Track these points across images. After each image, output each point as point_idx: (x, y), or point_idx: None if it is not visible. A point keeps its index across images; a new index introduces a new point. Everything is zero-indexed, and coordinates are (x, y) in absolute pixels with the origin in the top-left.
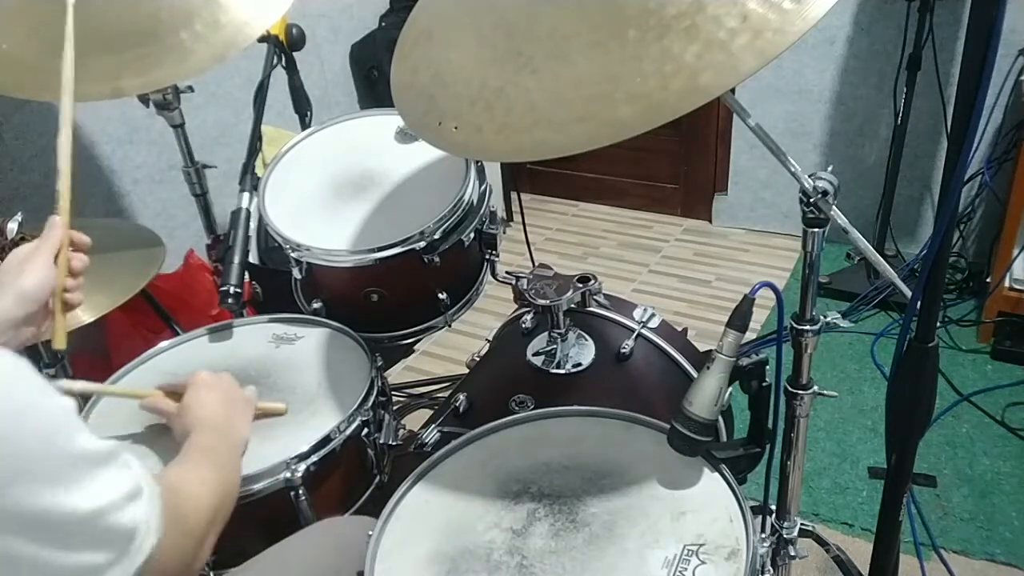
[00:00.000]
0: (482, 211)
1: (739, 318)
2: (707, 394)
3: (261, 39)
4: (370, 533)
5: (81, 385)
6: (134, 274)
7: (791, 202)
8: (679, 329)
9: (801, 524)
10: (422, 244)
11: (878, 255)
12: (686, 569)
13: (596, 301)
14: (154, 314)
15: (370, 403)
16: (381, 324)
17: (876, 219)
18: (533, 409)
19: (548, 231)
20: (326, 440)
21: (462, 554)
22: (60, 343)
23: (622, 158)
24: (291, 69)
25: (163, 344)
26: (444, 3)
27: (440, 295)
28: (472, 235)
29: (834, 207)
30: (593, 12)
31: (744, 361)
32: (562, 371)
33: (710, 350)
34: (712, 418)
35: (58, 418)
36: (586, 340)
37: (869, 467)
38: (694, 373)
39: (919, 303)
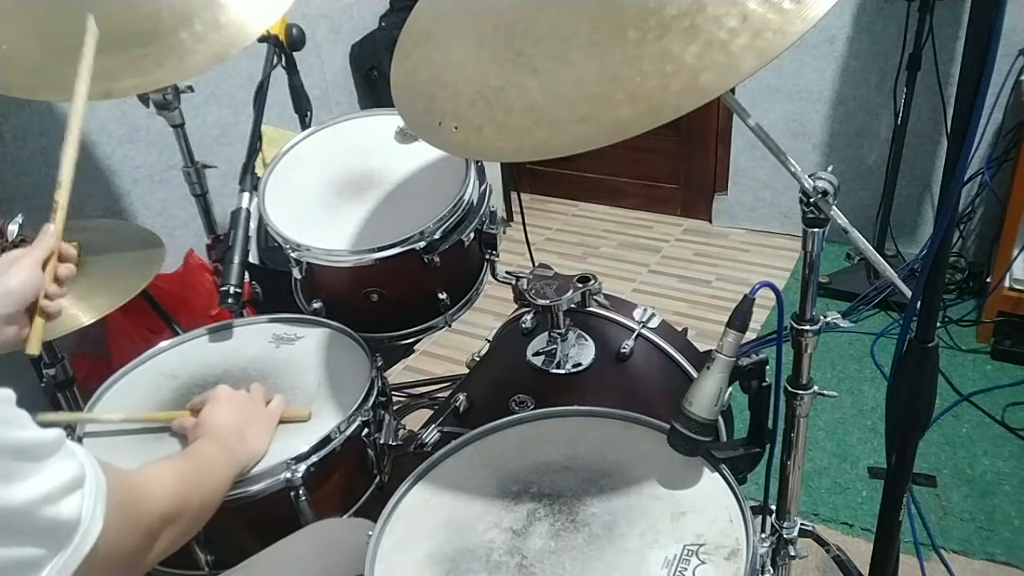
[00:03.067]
0: (482, 211)
1: (739, 318)
2: (707, 394)
3: (261, 39)
4: (370, 533)
5: (119, 415)
6: (134, 275)
7: (791, 202)
8: (679, 329)
9: (801, 524)
10: (422, 244)
11: (878, 255)
12: (686, 569)
13: (596, 301)
14: (154, 314)
15: (370, 403)
16: (381, 324)
17: (876, 219)
18: (533, 409)
19: (548, 231)
20: (326, 440)
21: (462, 554)
22: (33, 349)
23: (622, 158)
24: (291, 69)
25: (163, 344)
26: (444, 3)
27: (440, 295)
28: (472, 235)
29: (834, 207)
30: (593, 12)
31: (744, 361)
32: (562, 371)
33: (710, 350)
34: (712, 418)
35: None
36: (586, 340)
37: (869, 467)
38: (694, 373)
39: (919, 303)
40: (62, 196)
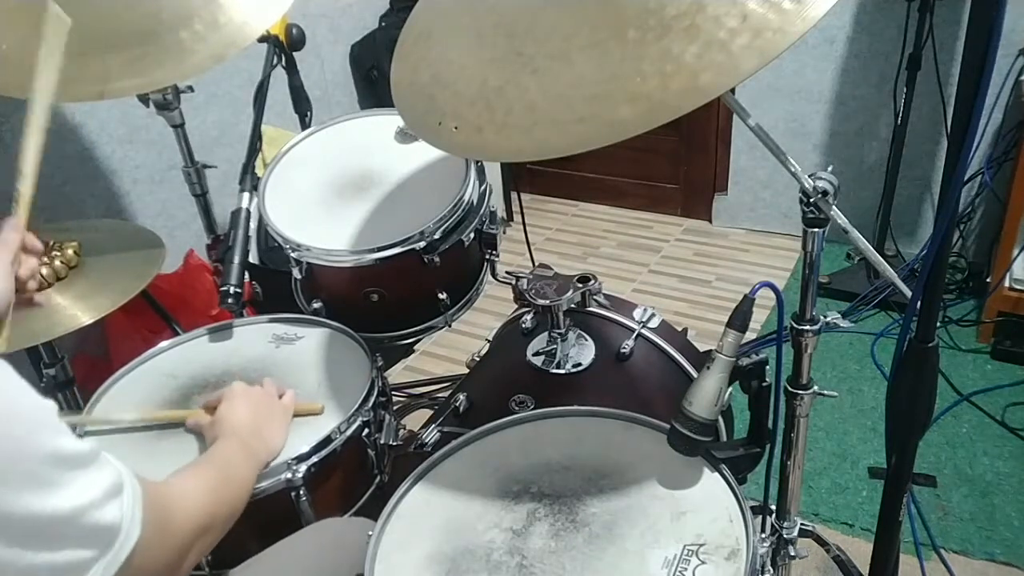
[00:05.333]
0: (482, 211)
1: (739, 318)
2: (707, 394)
3: (261, 39)
4: (370, 533)
5: (131, 415)
6: (134, 275)
7: (791, 202)
8: (679, 329)
9: (801, 524)
10: (422, 244)
11: (878, 255)
12: (686, 569)
13: (596, 301)
14: (154, 314)
15: (370, 403)
16: (381, 324)
17: (876, 219)
18: (533, 409)
19: (548, 231)
20: (327, 441)
21: (462, 554)
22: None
23: (622, 158)
24: (291, 69)
25: (163, 344)
26: (444, 3)
27: (440, 295)
28: (472, 235)
29: (834, 207)
30: (593, 12)
31: (744, 361)
32: (562, 371)
33: (710, 350)
34: (712, 418)
35: (39, 420)
36: (586, 340)
37: (869, 467)
38: (694, 373)
39: (919, 303)
40: (25, 186)
